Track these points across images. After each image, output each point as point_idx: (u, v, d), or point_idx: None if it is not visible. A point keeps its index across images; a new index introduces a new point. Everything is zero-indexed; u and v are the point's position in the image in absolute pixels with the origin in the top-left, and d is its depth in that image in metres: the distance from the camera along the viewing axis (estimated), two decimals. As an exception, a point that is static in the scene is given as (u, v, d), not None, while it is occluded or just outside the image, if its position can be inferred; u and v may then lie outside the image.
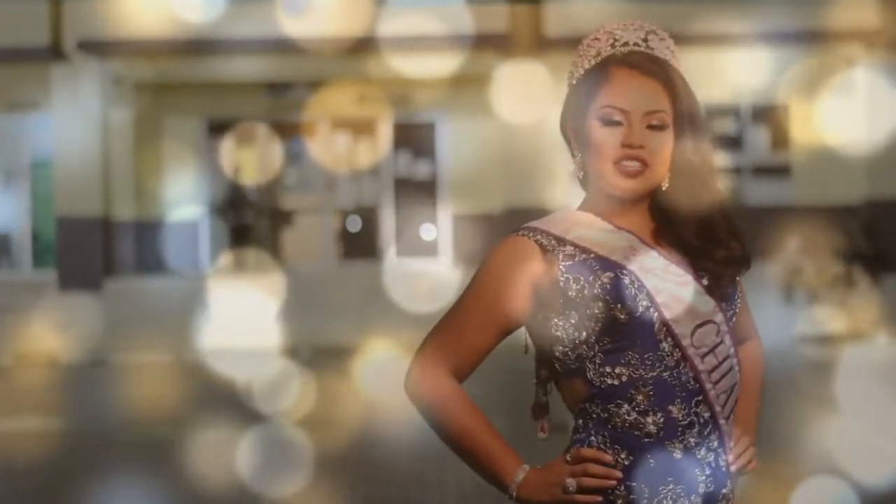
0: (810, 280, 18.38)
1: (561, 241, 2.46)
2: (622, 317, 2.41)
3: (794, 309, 17.38)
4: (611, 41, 2.53)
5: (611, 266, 2.43)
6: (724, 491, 2.48)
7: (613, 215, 2.50)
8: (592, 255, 2.44)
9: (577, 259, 2.44)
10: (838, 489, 7.44)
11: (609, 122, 2.47)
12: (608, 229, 2.48)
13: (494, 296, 2.47)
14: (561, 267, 2.44)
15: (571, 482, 2.41)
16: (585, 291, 2.42)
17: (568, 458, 2.44)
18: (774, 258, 18.34)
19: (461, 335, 2.50)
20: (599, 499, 2.42)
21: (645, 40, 2.52)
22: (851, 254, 19.21)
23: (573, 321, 2.44)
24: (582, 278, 2.43)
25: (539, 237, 2.47)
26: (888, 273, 19.18)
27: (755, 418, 2.65)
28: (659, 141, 2.46)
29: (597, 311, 2.41)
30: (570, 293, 2.43)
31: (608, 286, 2.41)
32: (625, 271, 2.43)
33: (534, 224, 2.51)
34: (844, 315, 16.95)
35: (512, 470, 2.44)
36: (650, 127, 2.46)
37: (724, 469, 2.48)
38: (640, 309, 2.41)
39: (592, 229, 2.48)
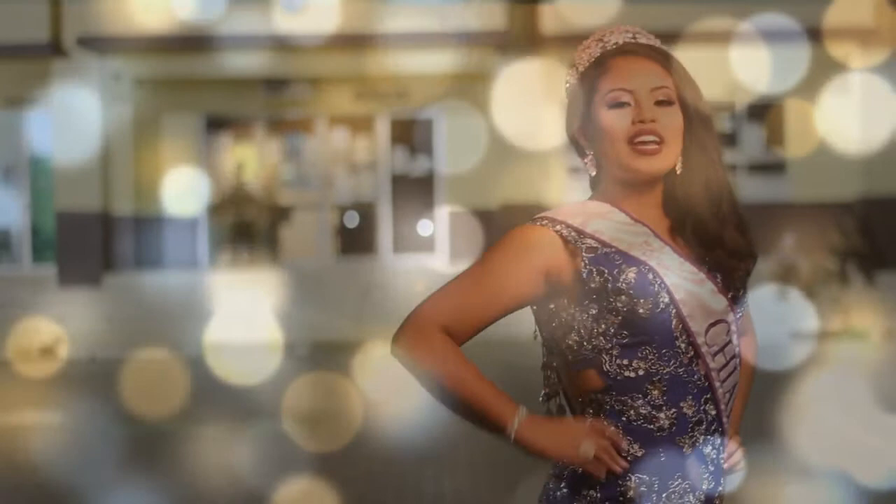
0: (805, 277, 18.41)
1: (581, 234, 2.47)
2: (643, 312, 2.43)
3: (789, 305, 17.41)
4: (601, 44, 2.57)
5: (633, 261, 2.45)
6: (720, 488, 2.53)
7: (629, 206, 2.53)
8: (614, 250, 2.46)
9: (599, 252, 2.46)
10: (832, 486, 7.48)
11: (617, 105, 2.49)
12: (625, 221, 2.51)
13: (504, 276, 2.47)
14: (584, 258, 2.45)
15: (589, 447, 2.41)
16: (609, 285, 2.44)
17: (588, 423, 2.45)
18: (769, 255, 18.37)
19: (462, 304, 2.48)
20: (602, 474, 2.44)
21: (633, 39, 2.56)
22: (846, 251, 19.24)
23: (592, 313, 2.46)
24: (606, 271, 2.44)
25: (559, 228, 2.48)
26: (883, 270, 19.22)
27: (740, 418, 2.69)
28: (669, 116, 2.50)
29: (619, 305, 2.44)
30: (592, 285, 2.45)
31: (632, 281, 2.43)
32: (647, 267, 2.45)
33: (551, 215, 2.51)
34: (839, 312, 16.98)
35: (510, 412, 2.42)
36: (658, 103, 2.49)
37: (721, 466, 2.53)
38: (661, 305, 2.44)
39: (609, 222, 2.50)
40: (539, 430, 2.43)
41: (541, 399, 2.61)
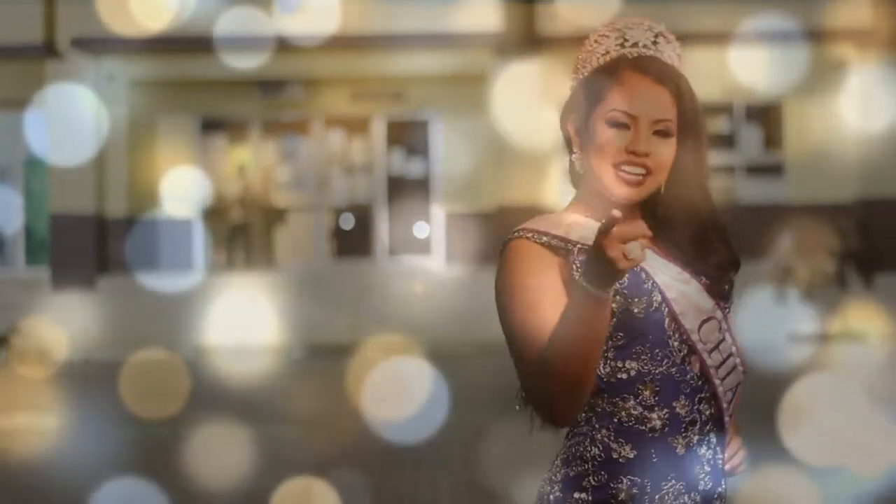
0: (803, 279, 18.42)
1: (567, 241, 2.44)
2: (637, 311, 2.41)
3: (787, 307, 17.41)
4: (620, 40, 2.51)
5: None
6: (720, 489, 2.50)
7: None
8: None
9: None
10: (831, 486, 7.46)
11: (616, 125, 2.45)
12: None
13: (538, 286, 2.42)
14: (576, 262, 2.42)
15: (635, 248, 2.19)
16: None
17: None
18: (767, 257, 18.37)
19: (533, 335, 2.37)
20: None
21: (655, 42, 2.51)
22: (844, 253, 19.25)
23: None
24: None
25: (545, 239, 2.45)
26: (880, 272, 19.22)
27: (737, 421, 2.65)
28: (663, 148, 2.46)
29: (614, 307, 2.40)
30: None
31: (625, 281, 2.40)
32: (637, 267, 2.41)
33: (532, 226, 2.47)
34: (837, 314, 16.98)
35: (583, 290, 2.26)
36: (656, 133, 2.45)
37: (720, 467, 2.50)
38: (654, 304, 2.42)
39: (591, 230, 2.44)
40: (593, 270, 2.24)
41: (517, 407, 2.52)
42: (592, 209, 2.50)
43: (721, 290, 2.51)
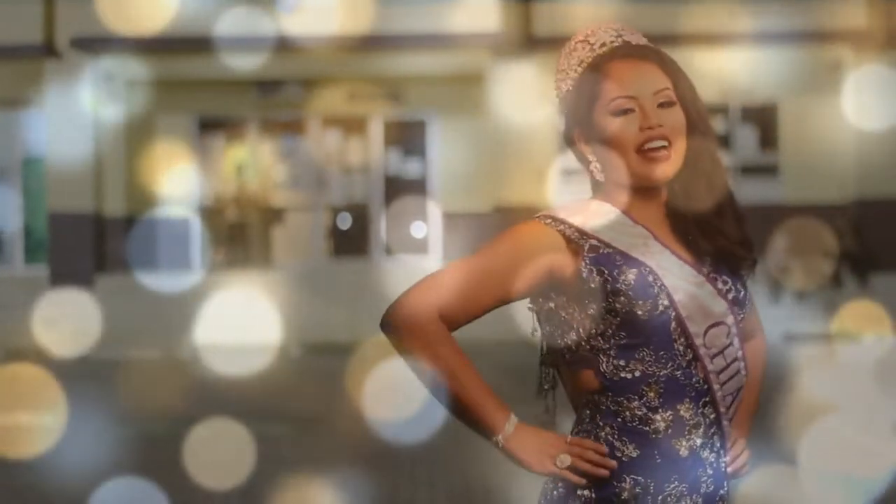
0: (798, 279, 18.44)
1: (583, 233, 2.47)
2: (641, 313, 2.43)
3: (782, 308, 17.43)
4: (587, 47, 2.55)
5: (634, 262, 2.44)
6: (722, 492, 2.52)
7: (631, 208, 2.51)
8: (614, 250, 2.45)
9: (601, 252, 2.45)
10: (828, 487, 7.49)
11: (622, 113, 2.48)
12: (625, 223, 2.49)
13: (507, 270, 2.45)
14: (585, 258, 2.45)
15: (565, 457, 2.42)
16: (608, 285, 2.43)
17: (567, 440, 2.46)
18: (762, 257, 18.39)
19: (460, 291, 2.46)
20: (583, 481, 2.43)
21: (619, 37, 2.55)
22: (839, 253, 19.27)
23: (591, 313, 2.45)
24: (606, 271, 2.43)
25: (562, 227, 2.47)
26: (875, 272, 19.25)
27: (750, 420, 2.68)
28: (673, 116, 2.49)
29: (618, 306, 2.43)
30: (591, 285, 2.44)
31: (632, 282, 2.43)
32: (647, 268, 2.44)
33: (553, 213, 2.50)
34: (832, 314, 17.00)
35: (501, 419, 2.44)
36: (660, 105, 2.48)
37: (722, 470, 2.52)
38: (660, 307, 2.43)
39: (610, 222, 2.49)
40: (525, 444, 2.44)
41: (537, 393, 2.59)
42: (618, 200, 2.53)
43: (737, 290, 2.53)
